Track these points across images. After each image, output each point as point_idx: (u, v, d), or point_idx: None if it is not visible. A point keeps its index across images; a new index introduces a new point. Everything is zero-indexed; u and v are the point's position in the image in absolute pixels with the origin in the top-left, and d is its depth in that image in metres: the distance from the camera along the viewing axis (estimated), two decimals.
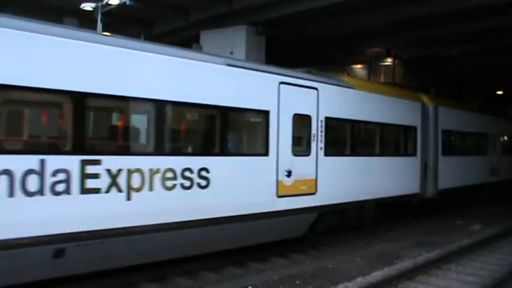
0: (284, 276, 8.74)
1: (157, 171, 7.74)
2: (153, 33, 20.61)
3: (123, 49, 7.48)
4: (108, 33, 8.80)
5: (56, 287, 7.29)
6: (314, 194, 10.66)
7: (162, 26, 20.57)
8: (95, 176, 6.97)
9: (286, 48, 20.85)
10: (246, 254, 9.92)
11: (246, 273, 9.16)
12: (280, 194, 9.84)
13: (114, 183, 7.15)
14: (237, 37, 19.04)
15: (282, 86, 9.87)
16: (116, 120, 8.76)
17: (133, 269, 8.12)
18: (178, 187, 8.01)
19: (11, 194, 6.15)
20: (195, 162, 8.29)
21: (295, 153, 10.25)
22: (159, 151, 7.86)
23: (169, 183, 7.88)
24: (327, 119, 11.01)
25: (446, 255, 10.54)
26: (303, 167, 10.41)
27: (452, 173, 16.26)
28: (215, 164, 8.58)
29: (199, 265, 9.09)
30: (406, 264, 9.76)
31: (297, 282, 8.51)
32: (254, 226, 9.41)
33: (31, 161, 6.37)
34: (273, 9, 17.89)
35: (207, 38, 19.40)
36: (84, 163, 6.86)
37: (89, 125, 7.74)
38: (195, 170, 8.26)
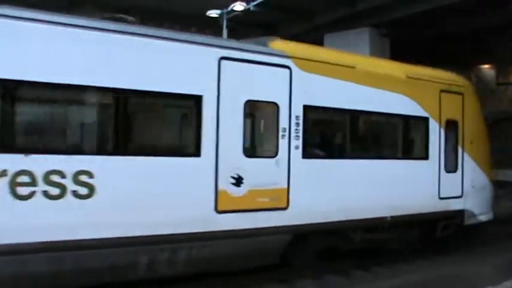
0: None
1: (3, 173, 5.74)
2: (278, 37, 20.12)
3: None
4: None
5: None
6: (284, 209, 7.90)
7: (286, 29, 20.68)
8: None
9: (411, 50, 19.73)
10: None
11: None
12: (222, 208, 7.26)
13: None
14: (361, 39, 18.91)
15: (224, 62, 7.35)
16: None
17: None
18: (39, 196, 5.93)
19: None
20: (70, 163, 6.15)
21: (250, 154, 7.63)
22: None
23: (24, 191, 5.84)
24: (307, 108, 8.20)
25: None
26: (265, 172, 7.72)
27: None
28: (105, 166, 6.36)
29: None
30: None
31: None
32: (178, 252, 6.97)
33: None
34: (396, 9, 17.64)
35: (330, 41, 19.34)
36: None
37: None
38: (69, 174, 6.11)
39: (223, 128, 7.28)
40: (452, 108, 10.66)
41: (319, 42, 18.24)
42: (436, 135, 10.24)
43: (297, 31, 19.92)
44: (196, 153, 7.10)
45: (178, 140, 7.49)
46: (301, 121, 8.07)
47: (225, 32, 17.44)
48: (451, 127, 10.69)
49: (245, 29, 19.29)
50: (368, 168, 8.99)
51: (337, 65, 8.66)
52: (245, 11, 17.16)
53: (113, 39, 6.55)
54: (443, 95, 10.42)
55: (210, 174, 7.17)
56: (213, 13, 17.66)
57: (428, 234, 10.72)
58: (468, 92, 11.09)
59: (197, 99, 7.12)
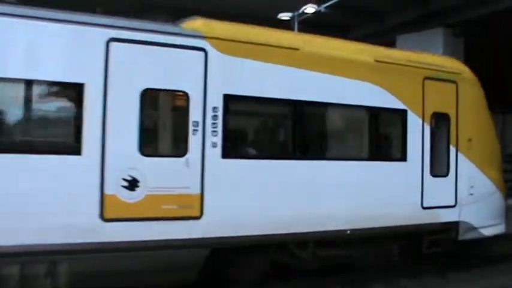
0: None
1: None
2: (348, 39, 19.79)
3: None
4: None
5: None
6: (197, 218, 6.64)
7: (357, 31, 20.44)
8: None
9: (488, 50, 18.93)
10: None
11: None
12: (110, 216, 6.13)
13: None
14: (434, 40, 18.43)
15: (114, 45, 6.21)
16: None
17: None
18: None
19: None
20: None
21: (148, 152, 6.44)
22: None
23: None
24: (230, 98, 6.89)
25: None
26: (170, 174, 6.50)
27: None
28: None
29: None
30: None
31: None
32: (57, 265, 5.92)
33: None
34: (470, 9, 17.03)
35: (403, 42, 18.87)
36: None
37: None
38: None
39: (112, 121, 6.14)
40: (441, 99, 8.84)
41: (391, 43, 18.10)
42: (417, 131, 8.49)
43: (367, 33, 19.75)
44: (76, 150, 6.02)
45: (55, 136, 6.41)
46: (220, 114, 6.76)
47: None
48: (440, 122, 8.88)
49: (316, 31, 18.79)
50: (316, 172, 7.47)
51: (272, 46, 7.24)
52: (316, 13, 17.25)
53: None
54: (429, 83, 8.64)
55: (93, 176, 6.05)
56: (285, 16, 17.84)
57: (412, 250, 8.98)
58: (465, 80, 9.18)
59: (78, 88, 6.04)
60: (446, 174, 8.84)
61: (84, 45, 6.11)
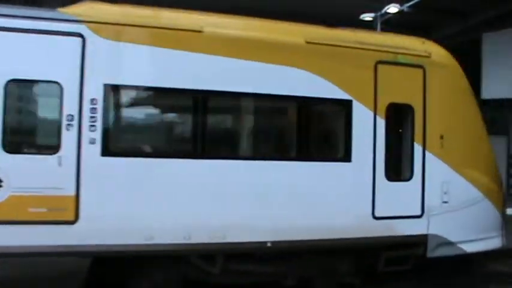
0: None
1: None
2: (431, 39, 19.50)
3: None
4: None
5: None
6: (71, 223, 5.91)
7: (440, 31, 19.80)
8: None
9: None
10: None
11: None
12: None
13: None
14: None
15: None
16: None
17: None
18: None
19: None
20: None
21: (12, 149, 5.78)
22: None
23: None
24: (112, 89, 6.09)
25: None
26: (39, 173, 5.83)
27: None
28: None
29: None
30: None
31: None
32: None
33: None
34: None
35: (489, 40, 18.09)
36: None
37: None
38: None
39: None
40: (402, 88, 7.43)
41: (476, 42, 17.77)
42: (366, 126, 7.15)
43: (450, 32, 19.09)
44: None
45: None
46: (100, 106, 6.00)
47: None
48: (400, 115, 7.48)
49: (398, 32, 18.40)
50: (223, 174, 6.45)
51: (166, 29, 6.35)
52: (398, 13, 16.99)
53: None
54: (384, 68, 7.27)
55: None
56: (367, 16, 17.68)
57: (368, 267, 7.63)
58: (437, 65, 7.64)
59: None
60: (408, 178, 7.41)
61: None
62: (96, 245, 5.95)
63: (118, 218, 6.03)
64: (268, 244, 6.61)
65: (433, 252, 7.56)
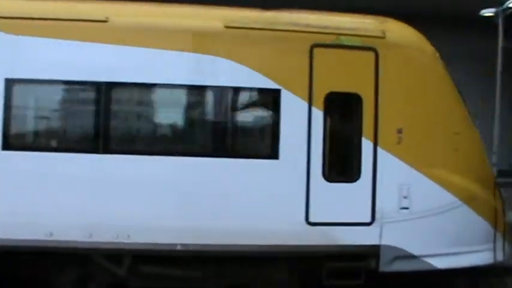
0: None
1: None
2: None
3: None
4: None
5: None
6: None
7: None
8: None
9: None
10: None
11: None
12: None
13: None
14: None
15: None
16: None
17: None
18: None
19: None
20: None
21: None
22: None
23: None
24: (13, 82, 5.84)
25: None
26: None
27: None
28: None
29: None
30: None
31: None
32: None
33: None
34: None
35: None
36: None
37: None
38: None
39: None
40: (346, 74, 6.38)
41: None
42: (299, 118, 6.21)
43: None
44: None
45: None
46: (0, 101, 5.81)
47: (500, 31, 16.77)
48: (343, 106, 6.44)
49: None
50: (128, 169, 5.93)
51: (68, 20, 5.97)
52: None
53: None
54: (321, 52, 6.27)
55: None
56: (487, 12, 17.11)
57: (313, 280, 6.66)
58: (394, 46, 6.46)
59: None
60: (355, 179, 6.34)
61: None
62: None
63: (17, 212, 5.78)
64: (178, 247, 6.00)
65: (389, 266, 6.42)
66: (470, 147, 6.90)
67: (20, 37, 5.90)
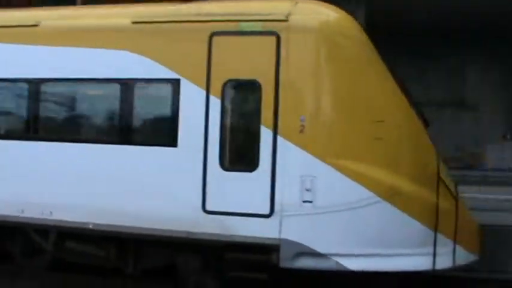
0: None
1: None
2: None
3: None
4: None
5: None
6: None
7: None
8: None
9: None
10: None
11: None
12: None
13: None
14: None
15: None
16: None
17: None
18: None
19: None
20: None
21: None
22: None
23: None
24: None
25: None
26: None
27: None
28: None
29: None
30: None
31: None
32: None
33: None
34: None
35: None
36: None
37: None
38: None
39: None
40: (245, 61, 6.19)
41: None
42: (197, 107, 6.23)
43: None
44: None
45: None
46: None
47: None
48: (242, 93, 6.25)
49: None
50: (51, 154, 6.71)
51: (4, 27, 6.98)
52: None
53: None
54: (220, 40, 6.21)
55: None
56: None
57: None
58: (300, 30, 6.05)
59: None
60: (252, 169, 6.12)
61: None
62: None
63: None
64: (90, 226, 6.52)
65: (291, 262, 6.03)
66: (400, 138, 6.12)
67: None
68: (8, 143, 6.94)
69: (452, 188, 6.45)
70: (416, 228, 6.01)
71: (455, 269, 6.34)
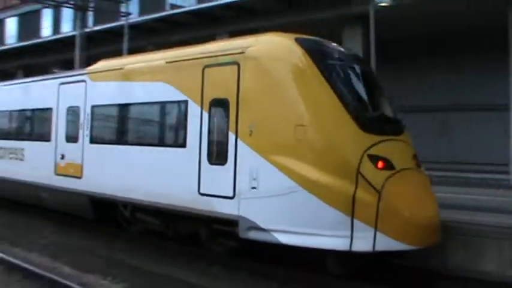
0: None
1: None
2: None
3: None
4: None
5: None
6: (79, 177, 11.34)
7: None
8: None
9: None
10: None
11: None
12: (58, 172, 12.13)
13: None
14: None
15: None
16: None
17: None
18: None
19: None
20: None
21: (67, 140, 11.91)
22: None
23: None
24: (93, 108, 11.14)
25: None
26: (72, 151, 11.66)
27: None
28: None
29: None
30: None
31: None
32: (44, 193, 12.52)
33: None
34: None
35: None
36: None
37: None
38: None
39: (59, 123, 12.28)
40: (221, 84, 8.51)
41: None
42: (197, 119, 8.85)
43: None
44: (49, 139, 12.57)
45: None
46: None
47: None
48: (219, 108, 8.55)
49: None
50: (134, 155, 10.19)
51: None
52: None
53: None
54: (208, 71, 8.71)
55: (53, 153, 12.34)
56: None
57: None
58: (250, 58, 8.11)
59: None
60: (224, 163, 8.36)
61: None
62: (93, 192, 11.16)
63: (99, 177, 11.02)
64: (146, 203, 9.76)
65: (245, 234, 8.06)
66: (317, 139, 7.49)
67: None
68: (113, 147, 10.79)
69: (378, 182, 7.30)
70: (332, 213, 7.27)
71: (376, 252, 7.21)
